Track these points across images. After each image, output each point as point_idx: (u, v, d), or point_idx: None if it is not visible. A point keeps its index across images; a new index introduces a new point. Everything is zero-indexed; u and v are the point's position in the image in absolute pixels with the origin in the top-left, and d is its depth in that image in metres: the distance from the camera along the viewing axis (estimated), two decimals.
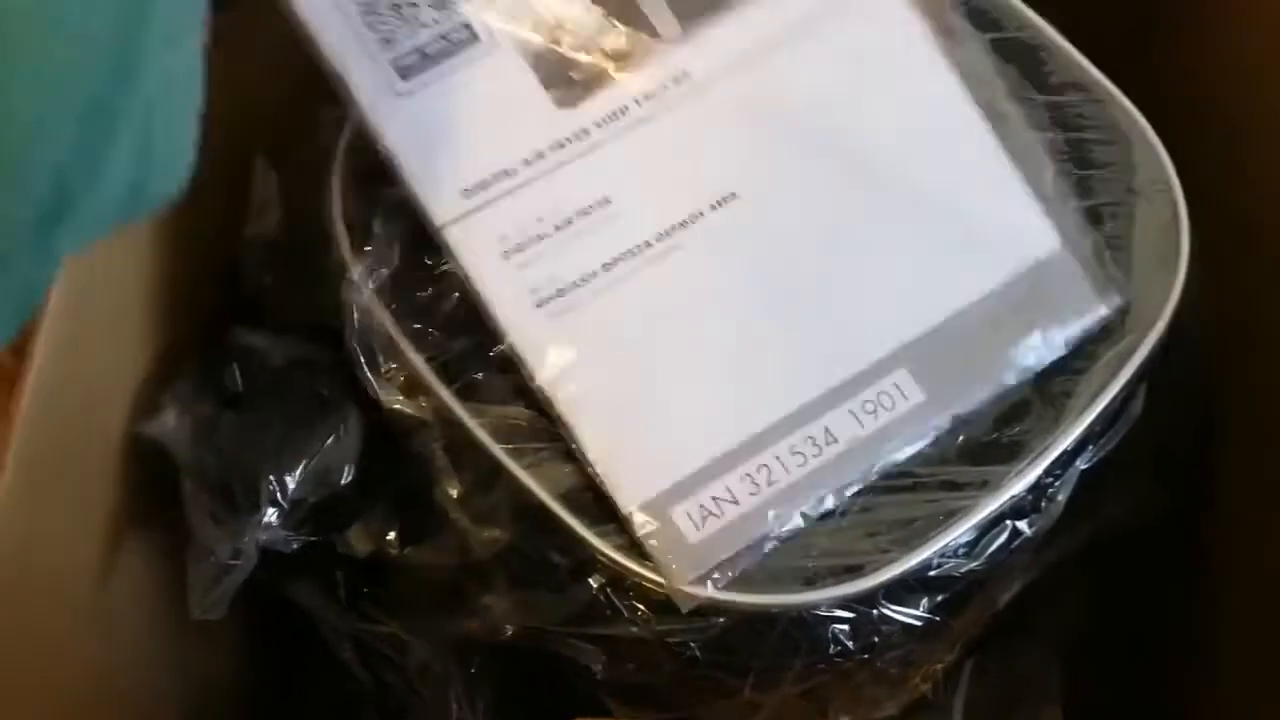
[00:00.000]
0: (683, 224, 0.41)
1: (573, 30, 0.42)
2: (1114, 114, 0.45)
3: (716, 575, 0.37)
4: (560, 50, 0.42)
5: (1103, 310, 0.41)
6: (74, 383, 0.40)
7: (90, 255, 0.41)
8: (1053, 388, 0.40)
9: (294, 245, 0.46)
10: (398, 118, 0.41)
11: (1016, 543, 0.39)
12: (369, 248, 0.41)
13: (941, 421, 0.39)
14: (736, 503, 0.38)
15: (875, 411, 0.39)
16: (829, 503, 0.38)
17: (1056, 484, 0.39)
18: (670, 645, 0.38)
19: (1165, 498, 0.43)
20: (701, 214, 0.41)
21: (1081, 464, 0.40)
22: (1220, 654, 0.48)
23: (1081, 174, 0.44)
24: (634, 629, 0.38)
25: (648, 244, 0.40)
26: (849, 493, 0.38)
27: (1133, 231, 0.43)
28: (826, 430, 0.39)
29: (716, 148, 0.41)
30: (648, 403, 0.39)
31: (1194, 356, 0.43)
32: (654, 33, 0.42)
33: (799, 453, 0.38)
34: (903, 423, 0.39)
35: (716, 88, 0.42)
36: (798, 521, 0.38)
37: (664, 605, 0.37)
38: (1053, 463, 0.39)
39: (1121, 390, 0.40)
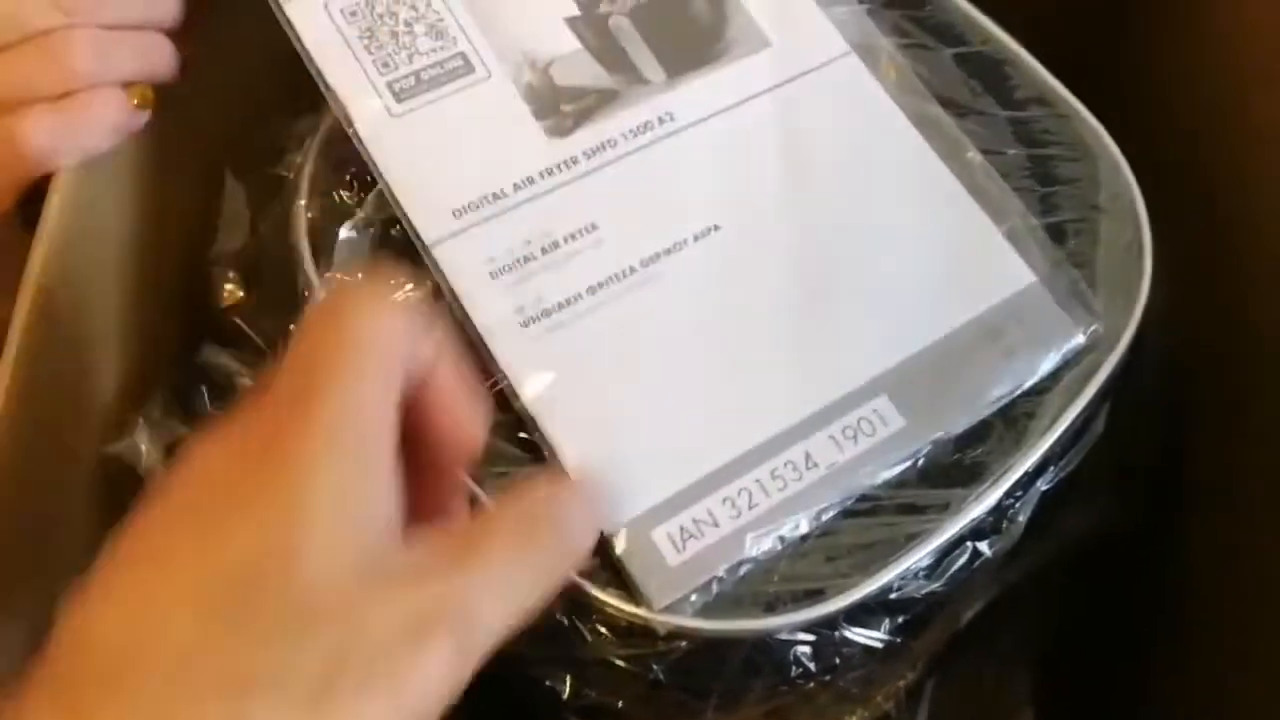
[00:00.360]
0: (667, 251, 0.42)
1: (563, 70, 0.44)
2: (1078, 129, 0.45)
3: (694, 598, 0.37)
4: (551, 85, 0.44)
5: (1079, 338, 0.42)
6: (43, 402, 0.41)
7: (58, 272, 0.41)
8: (1014, 409, 0.40)
9: (262, 262, 0.46)
10: (391, 138, 0.42)
11: (977, 563, 0.39)
12: (332, 269, 0.42)
13: (920, 446, 0.39)
14: (717, 525, 0.38)
15: (855, 437, 0.39)
16: (804, 527, 0.38)
17: (1017, 505, 0.39)
18: (633, 668, 0.38)
19: (1127, 513, 0.44)
20: (685, 243, 0.42)
21: (1043, 485, 0.40)
22: (1191, 653, 0.49)
23: (1045, 190, 0.44)
24: (598, 652, 0.38)
25: (632, 269, 0.41)
26: (826, 517, 0.38)
27: (1096, 249, 0.43)
28: (807, 455, 0.39)
29: (700, 182, 0.43)
30: (630, 424, 0.39)
31: (1157, 373, 0.43)
32: (641, 79, 0.44)
33: (779, 477, 0.39)
34: (883, 448, 0.39)
35: (700, 129, 0.44)
36: (774, 545, 0.38)
37: (627, 629, 0.37)
38: (1014, 484, 0.39)
39: (1083, 411, 0.40)
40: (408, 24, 0.44)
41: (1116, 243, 0.43)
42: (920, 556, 0.38)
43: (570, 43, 0.45)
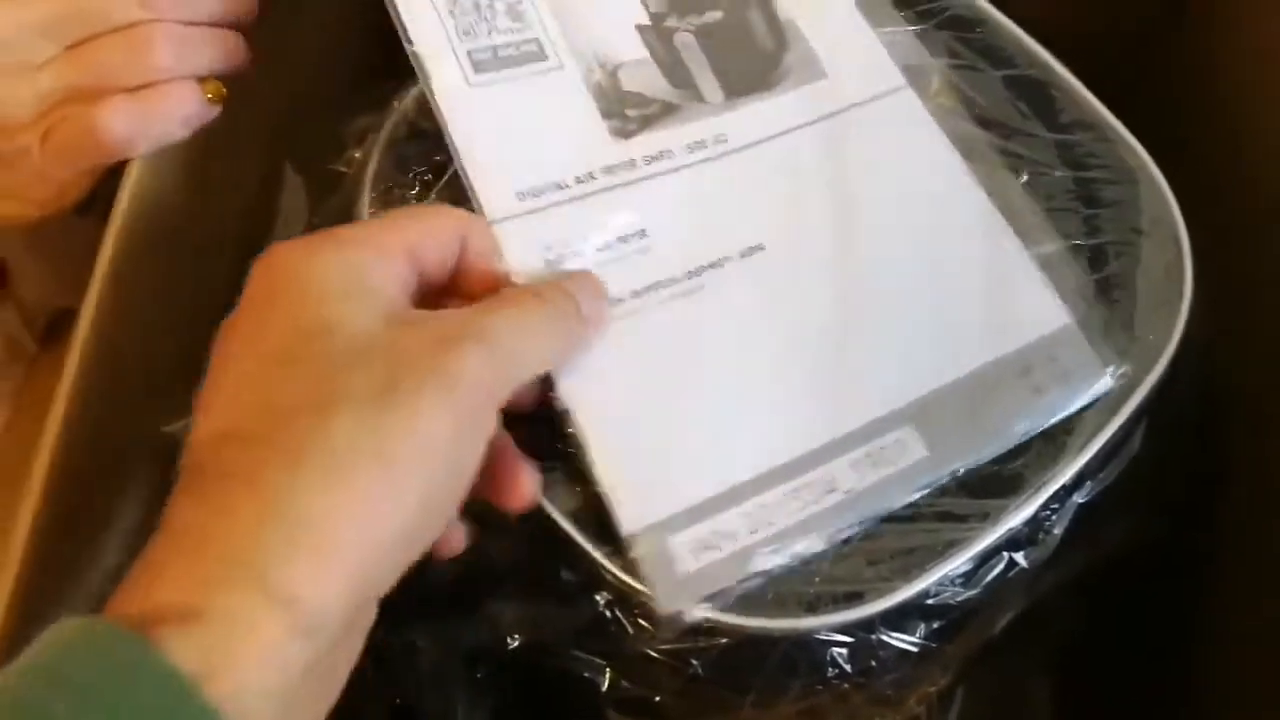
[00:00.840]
0: (711, 265, 0.42)
1: (630, 75, 0.45)
2: (1121, 153, 0.46)
3: (703, 605, 0.38)
4: (619, 87, 0.45)
5: (1108, 381, 0.42)
6: (110, 382, 0.42)
7: (128, 258, 0.43)
8: (1052, 425, 0.41)
9: None
10: (467, 108, 0.42)
11: (1013, 573, 0.40)
12: None
13: (941, 477, 0.40)
14: (734, 539, 0.39)
15: (877, 464, 0.40)
16: (819, 547, 0.39)
17: (1053, 517, 0.40)
18: (673, 662, 0.39)
19: (1161, 527, 0.44)
20: (729, 259, 0.42)
21: (1079, 498, 0.41)
22: (1218, 669, 0.50)
23: (1089, 212, 0.45)
24: (638, 645, 0.39)
25: (675, 278, 0.42)
26: (841, 538, 0.39)
27: (1137, 271, 0.44)
28: (827, 479, 0.40)
29: (749, 202, 0.44)
30: (660, 430, 0.40)
31: (1196, 393, 0.44)
32: (700, 97, 0.45)
33: (799, 497, 0.39)
34: (902, 477, 0.40)
35: (751, 152, 0.45)
36: (788, 562, 0.38)
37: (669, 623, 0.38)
38: (1050, 497, 0.40)
39: (1121, 428, 0.41)
40: (488, 4, 0.45)
41: (1157, 265, 0.44)
42: (958, 564, 0.39)
43: (639, 50, 0.46)
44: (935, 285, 0.43)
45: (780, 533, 0.39)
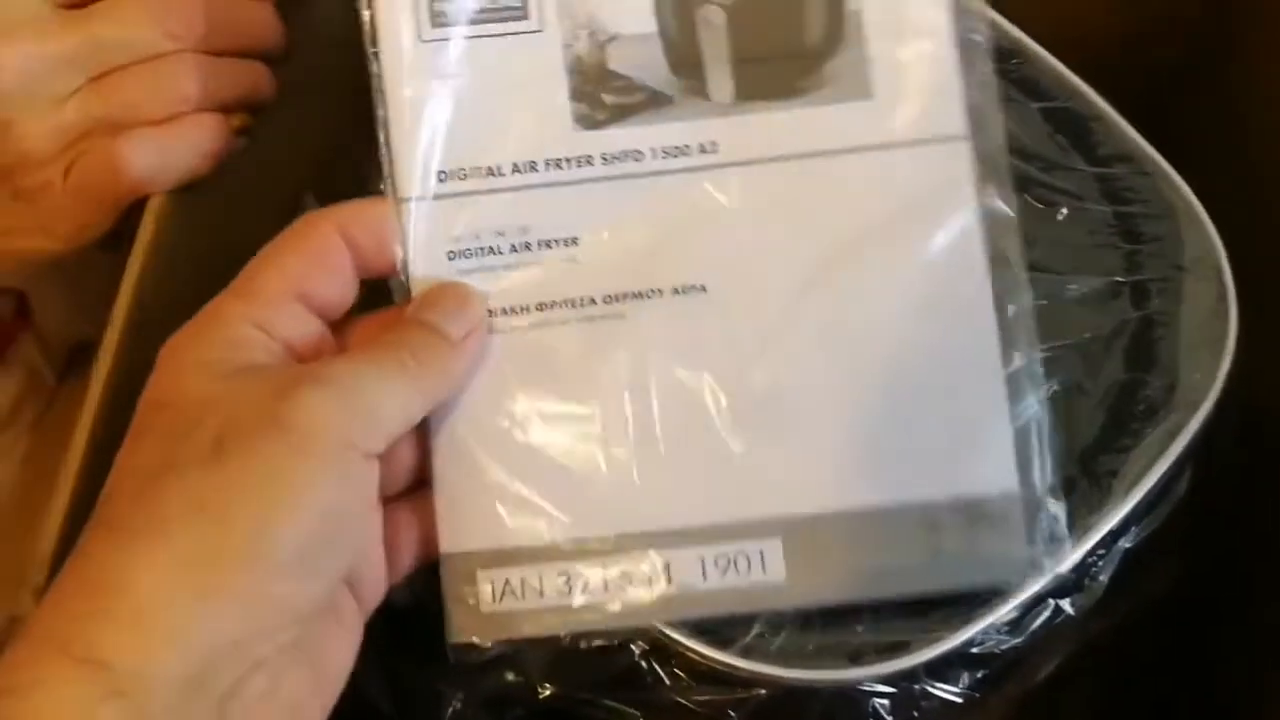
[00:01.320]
0: (637, 294, 0.38)
1: (622, 52, 0.38)
2: (1162, 187, 0.45)
3: (491, 645, 0.37)
4: (604, 65, 0.38)
5: (1018, 576, 0.37)
6: (131, 416, 0.41)
7: (150, 292, 0.42)
8: (1098, 467, 0.40)
9: None
10: (409, 67, 0.38)
11: (1059, 620, 0.39)
12: None
13: (782, 609, 0.37)
14: (541, 596, 0.37)
15: (724, 572, 0.37)
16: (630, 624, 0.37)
17: (1100, 563, 0.39)
18: (709, 713, 0.38)
19: (1207, 574, 0.43)
20: (660, 292, 0.38)
21: (1125, 543, 0.40)
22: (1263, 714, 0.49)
23: (1129, 248, 0.44)
24: (675, 696, 0.38)
25: (591, 300, 0.38)
26: (647, 633, 0.37)
27: (1180, 309, 0.43)
28: (665, 567, 0.37)
29: (711, 231, 0.38)
30: (513, 458, 0.37)
31: (1241, 434, 0.43)
32: (703, 92, 0.38)
33: (626, 576, 0.37)
34: (747, 594, 0.37)
35: (739, 172, 0.38)
36: (600, 638, 0.37)
37: (707, 674, 0.37)
38: (1097, 543, 0.39)
39: (1168, 471, 0.40)
40: None
41: (1201, 303, 0.43)
42: (1004, 612, 0.38)
43: (646, 24, 0.38)
44: (882, 394, 0.38)
45: (587, 606, 0.37)
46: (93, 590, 0.30)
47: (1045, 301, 0.41)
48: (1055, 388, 0.40)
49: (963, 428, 0.38)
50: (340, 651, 0.35)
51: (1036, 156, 0.45)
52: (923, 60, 0.39)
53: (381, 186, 0.45)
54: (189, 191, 0.42)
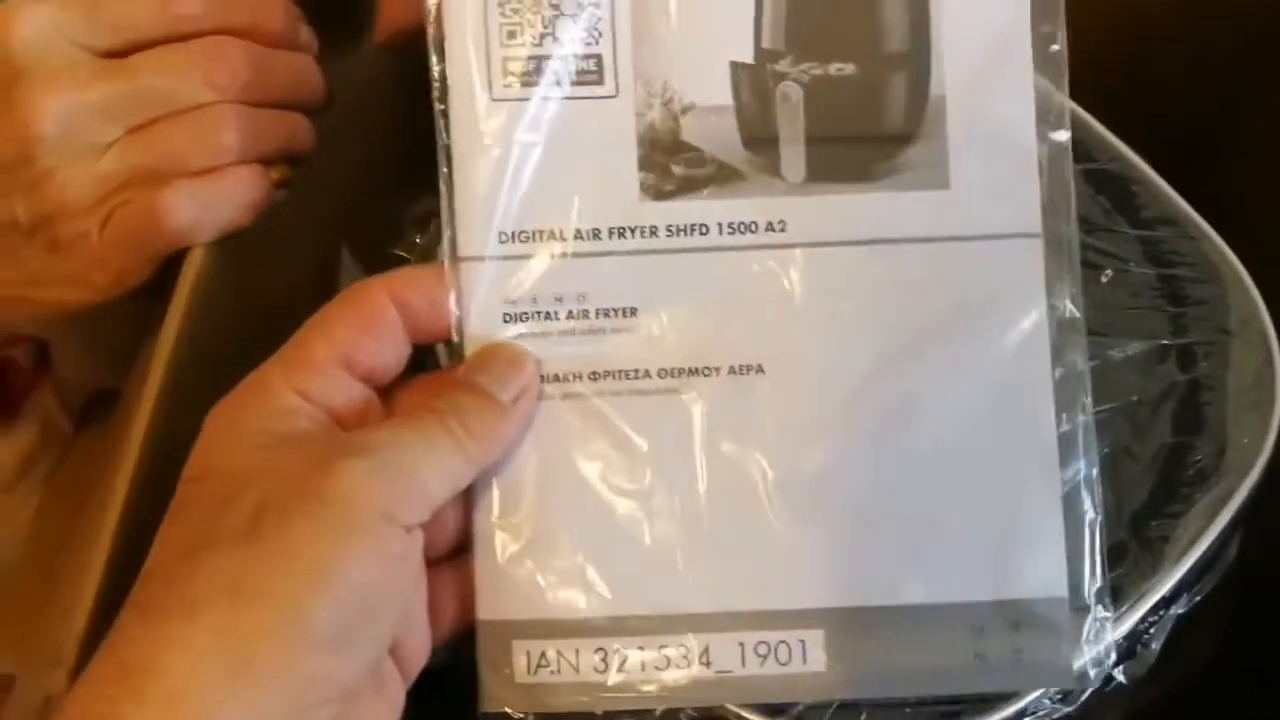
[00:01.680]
0: (694, 371, 0.37)
1: (697, 123, 0.38)
2: (1206, 250, 0.45)
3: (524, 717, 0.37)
4: (675, 135, 0.38)
5: (1065, 682, 0.37)
6: (173, 470, 0.40)
7: (189, 345, 0.41)
8: (1149, 532, 0.40)
9: None
10: (476, 126, 0.37)
11: (1110, 688, 0.38)
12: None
13: (820, 701, 0.37)
14: (577, 672, 0.36)
15: (764, 658, 0.36)
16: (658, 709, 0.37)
17: (1151, 630, 0.39)
18: None
19: (1257, 640, 0.43)
20: (716, 370, 0.37)
21: (1177, 610, 0.39)
22: None
23: (1175, 311, 0.44)
24: None
25: (646, 373, 0.37)
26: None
27: (1226, 374, 0.43)
28: (704, 650, 0.36)
29: (771, 312, 0.37)
30: (557, 530, 0.37)
31: None
32: (774, 170, 0.38)
33: (664, 658, 0.36)
34: (786, 683, 0.36)
35: (808, 254, 0.38)
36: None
37: None
38: (1149, 610, 0.39)
39: (1219, 537, 0.40)
40: (553, 3, 0.38)
41: (1248, 367, 0.43)
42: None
43: (721, 95, 0.38)
44: (934, 491, 0.37)
45: (622, 684, 0.36)
46: (126, 672, 0.30)
47: (1093, 363, 0.40)
48: (1105, 449, 0.40)
49: (1014, 530, 0.37)
50: None
51: (1080, 219, 0.45)
52: (1004, 154, 0.38)
53: (418, 239, 0.46)
54: (228, 243, 0.42)
